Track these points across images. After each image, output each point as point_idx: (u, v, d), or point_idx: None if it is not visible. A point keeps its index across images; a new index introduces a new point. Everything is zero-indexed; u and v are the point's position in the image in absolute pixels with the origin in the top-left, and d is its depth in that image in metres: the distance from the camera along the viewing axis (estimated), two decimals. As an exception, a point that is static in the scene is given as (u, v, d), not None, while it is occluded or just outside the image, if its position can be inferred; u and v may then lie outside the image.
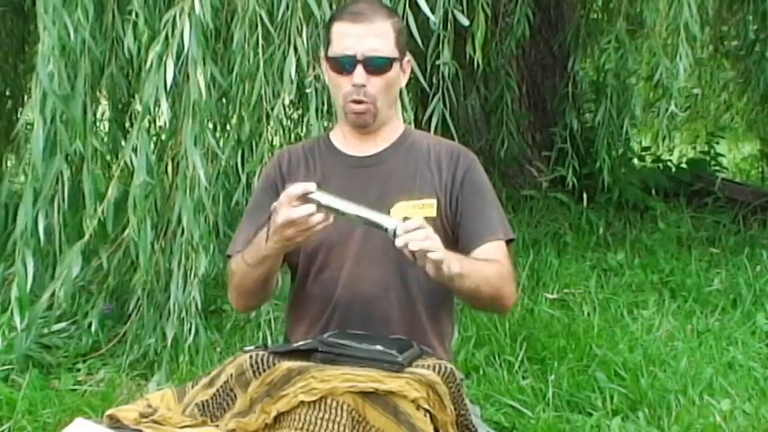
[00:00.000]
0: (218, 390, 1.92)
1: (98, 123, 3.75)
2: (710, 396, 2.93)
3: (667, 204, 5.51)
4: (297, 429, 1.77)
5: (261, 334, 3.33)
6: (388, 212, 2.02)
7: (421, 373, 1.85)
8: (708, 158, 6.27)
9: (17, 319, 3.09)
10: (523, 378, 3.11)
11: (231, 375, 1.91)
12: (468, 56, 3.58)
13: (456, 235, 2.15)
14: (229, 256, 2.19)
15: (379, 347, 1.87)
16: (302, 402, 1.78)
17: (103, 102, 3.71)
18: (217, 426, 1.88)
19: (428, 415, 1.83)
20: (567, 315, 3.74)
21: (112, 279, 3.49)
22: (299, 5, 3.08)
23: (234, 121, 3.50)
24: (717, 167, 6.25)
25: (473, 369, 3.18)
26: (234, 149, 3.31)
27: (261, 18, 3.09)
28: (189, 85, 3.02)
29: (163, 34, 3.00)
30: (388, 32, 2.11)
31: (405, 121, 2.76)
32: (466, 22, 3.33)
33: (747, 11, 5.34)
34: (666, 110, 4.11)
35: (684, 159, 6.53)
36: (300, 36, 3.08)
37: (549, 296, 4.03)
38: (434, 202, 2.14)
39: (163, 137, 3.72)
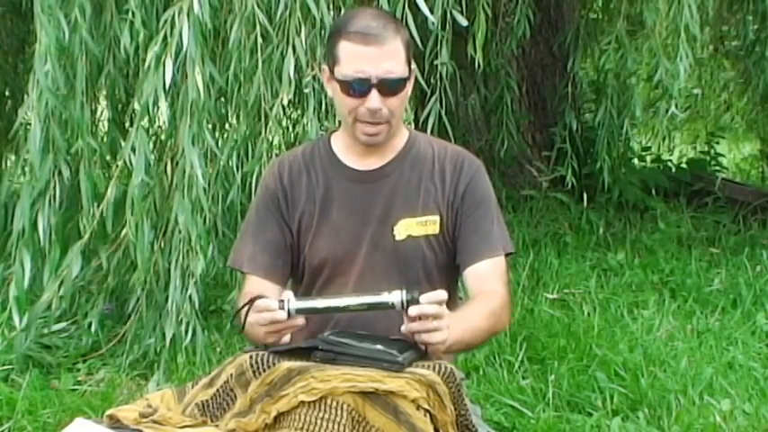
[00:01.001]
0: (218, 390, 1.92)
1: (97, 123, 3.75)
2: (710, 396, 2.93)
3: (667, 204, 5.50)
4: (297, 429, 1.77)
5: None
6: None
7: (421, 372, 1.84)
8: (708, 158, 6.26)
9: (16, 318, 3.10)
10: (523, 378, 3.10)
11: (231, 375, 1.91)
12: (468, 56, 3.58)
13: (455, 248, 2.16)
14: (234, 268, 2.18)
15: (379, 347, 1.87)
16: (302, 402, 1.78)
17: (102, 101, 3.71)
18: (217, 426, 1.88)
19: (428, 415, 1.83)
20: (567, 315, 3.74)
21: (112, 279, 3.48)
22: (298, 5, 3.08)
23: (232, 120, 3.50)
24: (717, 167, 6.24)
25: (473, 369, 3.17)
26: (232, 150, 3.31)
27: (259, 18, 3.09)
28: (187, 85, 3.02)
29: (162, 34, 2.99)
30: (399, 51, 2.06)
31: (405, 122, 2.76)
32: (465, 22, 3.33)
33: (747, 11, 5.33)
34: (667, 110, 4.11)
35: (684, 159, 6.52)
36: (299, 36, 3.08)
37: (549, 296, 4.02)
38: (437, 218, 2.15)
39: (162, 137, 3.72)
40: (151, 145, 3.48)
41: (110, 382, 3.13)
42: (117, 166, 3.38)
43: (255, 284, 2.16)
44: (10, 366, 3.14)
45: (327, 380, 1.79)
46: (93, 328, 3.38)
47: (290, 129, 4.53)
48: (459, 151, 2.25)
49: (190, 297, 3.13)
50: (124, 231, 3.21)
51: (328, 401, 1.77)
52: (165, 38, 2.99)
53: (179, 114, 3.12)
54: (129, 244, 3.19)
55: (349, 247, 2.13)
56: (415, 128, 2.76)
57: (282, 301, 1.91)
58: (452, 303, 2.20)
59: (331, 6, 3.16)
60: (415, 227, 2.13)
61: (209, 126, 3.33)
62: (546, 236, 4.98)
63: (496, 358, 3.24)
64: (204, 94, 3.04)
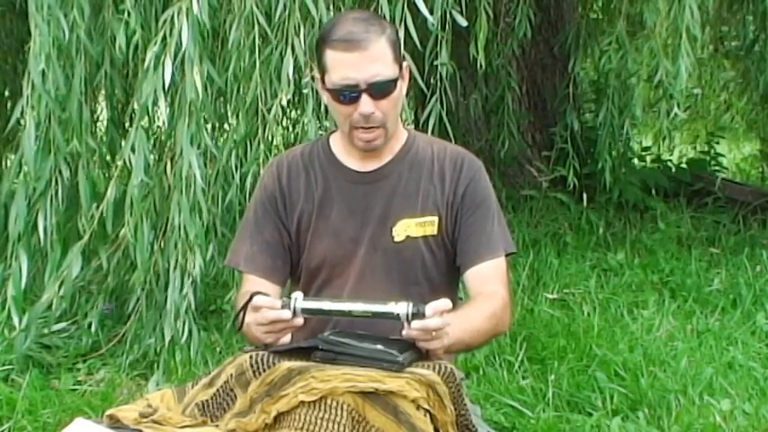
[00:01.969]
0: (218, 390, 1.92)
1: (96, 123, 3.75)
2: (710, 396, 2.93)
3: (667, 204, 5.50)
4: (297, 429, 1.77)
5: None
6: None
7: (421, 372, 1.84)
8: (708, 158, 6.26)
9: (15, 318, 3.09)
10: (523, 378, 3.10)
11: (231, 375, 1.91)
12: (468, 56, 3.58)
13: (455, 249, 2.15)
14: (231, 267, 2.18)
15: (379, 347, 1.87)
16: (302, 402, 1.78)
17: (102, 101, 3.70)
18: (217, 426, 1.87)
19: (428, 415, 1.82)
20: (567, 315, 3.74)
21: (112, 279, 3.48)
22: (297, 6, 3.08)
23: (231, 120, 3.49)
24: (717, 167, 6.24)
25: (473, 369, 3.17)
26: (231, 150, 3.30)
27: (258, 18, 3.09)
28: (186, 85, 3.02)
29: (161, 34, 2.99)
30: (385, 52, 2.04)
31: (405, 122, 2.76)
32: (464, 22, 3.33)
33: (747, 11, 5.34)
34: (667, 111, 4.11)
35: (684, 159, 6.52)
36: (298, 36, 3.08)
37: (549, 296, 4.02)
38: (436, 219, 2.15)
39: (162, 137, 3.72)
40: (151, 145, 3.47)
41: (110, 382, 3.12)
42: (116, 166, 3.38)
43: (256, 285, 2.15)
44: (10, 366, 3.14)
45: (327, 380, 1.78)
46: (93, 328, 3.38)
47: (289, 129, 4.54)
48: (460, 151, 2.24)
49: (186, 297, 3.12)
50: (124, 231, 3.21)
51: (328, 401, 1.77)
52: (164, 38, 2.99)
53: (177, 114, 3.12)
54: (128, 244, 3.19)
55: (348, 247, 2.13)
56: (416, 128, 2.75)
57: (287, 299, 1.91)
58: (452, 304, 2.21)
59: (330, 6, 3.15)
60: (413, 228, 2.13)
61: (208, 126, 3.33)
62: (546, 236, 4.98)
63: (496, 358, 3.24)
64: (203, 94, 3.04)
